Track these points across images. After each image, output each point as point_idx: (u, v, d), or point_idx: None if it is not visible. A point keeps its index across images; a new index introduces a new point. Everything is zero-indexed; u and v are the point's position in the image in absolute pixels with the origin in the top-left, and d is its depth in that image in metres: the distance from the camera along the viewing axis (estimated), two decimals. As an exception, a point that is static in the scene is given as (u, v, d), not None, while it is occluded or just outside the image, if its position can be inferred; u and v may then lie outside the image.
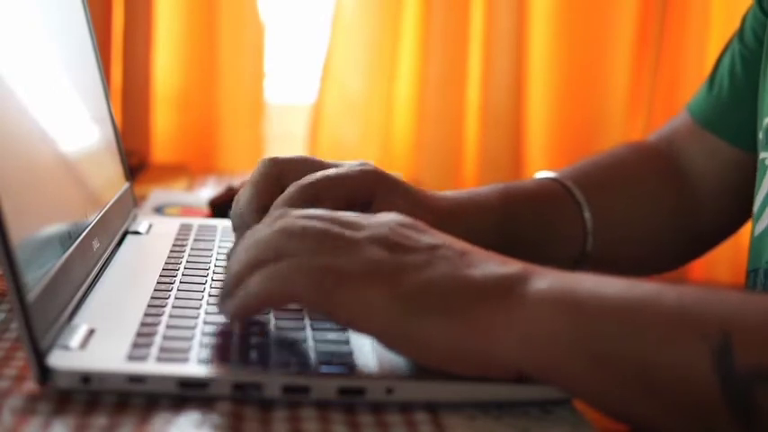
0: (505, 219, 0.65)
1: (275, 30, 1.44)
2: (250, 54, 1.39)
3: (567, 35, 1.44)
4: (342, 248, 0.45)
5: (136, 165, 1.19)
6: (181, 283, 0.56)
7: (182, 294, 0.54)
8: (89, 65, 0.71)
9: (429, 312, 0.43)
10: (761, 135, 0.65)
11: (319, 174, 0.57)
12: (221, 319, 0.50)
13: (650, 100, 1.44)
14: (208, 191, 1.10)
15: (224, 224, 0.72)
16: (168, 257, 0.62)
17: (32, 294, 0.43)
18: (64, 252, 0.50)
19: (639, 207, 0.74)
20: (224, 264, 0.58)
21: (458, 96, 1.44)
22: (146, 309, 0.51)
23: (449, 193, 0.65)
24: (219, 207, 0.86)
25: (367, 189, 0.58)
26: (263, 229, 0.47)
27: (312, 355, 0.46)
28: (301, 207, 0.50)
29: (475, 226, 0.63)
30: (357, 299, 0.44)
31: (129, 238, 0.68)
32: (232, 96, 1.39)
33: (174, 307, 0.51)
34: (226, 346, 0.47)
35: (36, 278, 0.44)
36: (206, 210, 0.89)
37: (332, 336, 0.49)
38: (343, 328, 0.50)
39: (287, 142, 1.48)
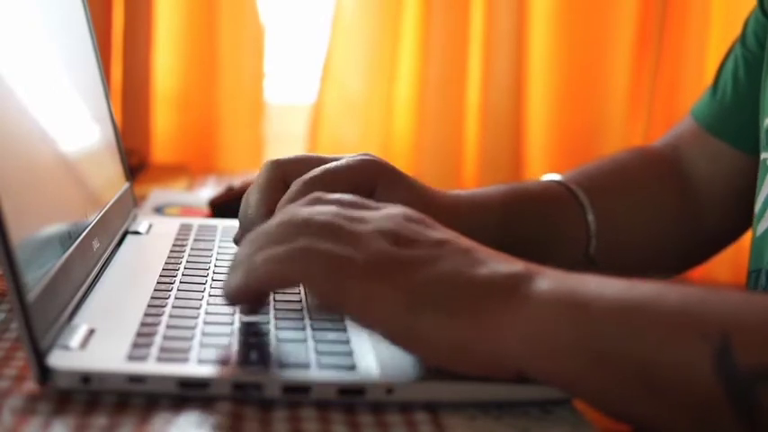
0: (508, 219, 0.65)
1: (275, 30, 1.44)
2: (250, 54, 1.39)
3: (567, 36, 1.44)
4: (350, 239, 0.45)
5: (136, 165, 1.19)
6: (181, 283, 0.56)
7: (182, 294, 0.54)
8: (89, 65, 0.71)
9: (433, 308, 0.43)
10: (762, 136, 0.65)
11: (320, 169, 0.57)
12: (222, 319, 0.50)
13: (650, 101, 1.44)
14: (208, 191, 1.10)
15: (224, 224, 0.72)
16: (168, 257, 0.62)
17: (32, 294, 0.43)
18: (64, 252, 0.50)
19: (643, 211, 0.74)
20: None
21: (458, 97, 1.44)
22: (146, 309, 0.51)
23: (452, 191, 0.65)
24: (219, 207, 0.86)
25: (368, 180, 0.58)
26: (269, 223, 0.47)
27: (312, 355, 0.46)
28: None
29: (477, 224, 0.63)
30: (362, 290, 0.43)
31: (129, 238, 0.68)
32: (232, 96, 1.39)
33: (174, 307, 0.51)
34: (226, 347, 0.47)
35: (36, 278, 0.44)
36: (206, 210, 0.89)
37: (332, 336, 0.49)
38: (343, 328, 0.50)
39: (287, 142, 1.48)
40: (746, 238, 0.71)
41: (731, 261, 1.39)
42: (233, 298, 0.46)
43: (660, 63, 1.43)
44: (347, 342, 0.48)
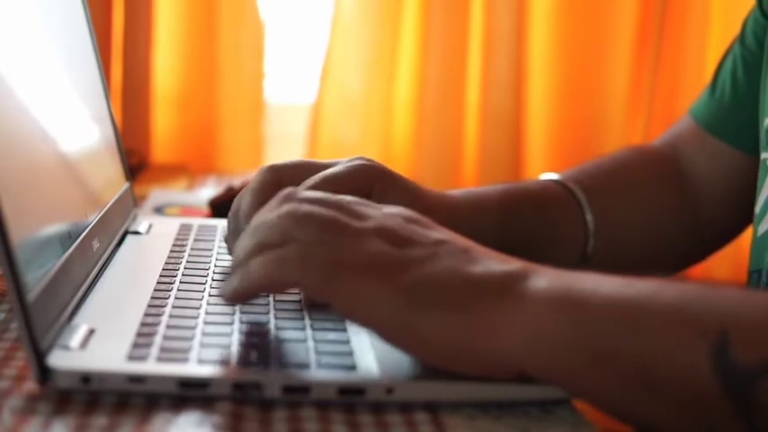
0: (506, 218, 0.65)
1: (275, 30, 1.44)
2: (250, 54, 1.40)
3: (567, 35, 1.44)
4: (347, 238, 0.45)
5: (136, 165, 1.19)
6: (181, 283, 0.56)
7: (182, 294, 0.54)
8: (89, 65, 0.71)
9: (429, 307, 0.44)
10: (762, 136, 0.65)
11: (315, 177, 0.57)
12: (222, 319, 0.50)
13: (650, 100, 1.44)
14: (208, 191, 1.10)
15: (224, 224, 0.72)
16: (168, 257, 0.62)
17: (32, 294, 0.43)
18: (64, 252, 0.50)
19: (641, 210, 0.74)
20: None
21: (457, 96, 1.44)
22: (146, 309, 0.51)
23: (450, 191, 0.65)
24: (219, 207, 0.86)
25: (365, 184, 0.58)
26: (268, 213, 0.47)
27: (312, 355, 0.46)
28: None
29: (475, 224, 0.63)
30: (359, 290, 0.44)
31: (129, 238, 0.68)
32: (232, 96, 1.39)
33: (174, 307, 0.51)
34: (226, 347, 0.47)
35: (36, 278, 0.44)
36: (206, 210, 0.89)
37: (332, 336, 0.49)
38: (343, 328, 0.50)
39: (287, 142, 1.48)
40: (746, 238, 0.71)
41: (731, 260, 1.39)
42: (229, 301, 0.47)
43: (660, 62, 1.43)
44: (347, 342, 0.48)
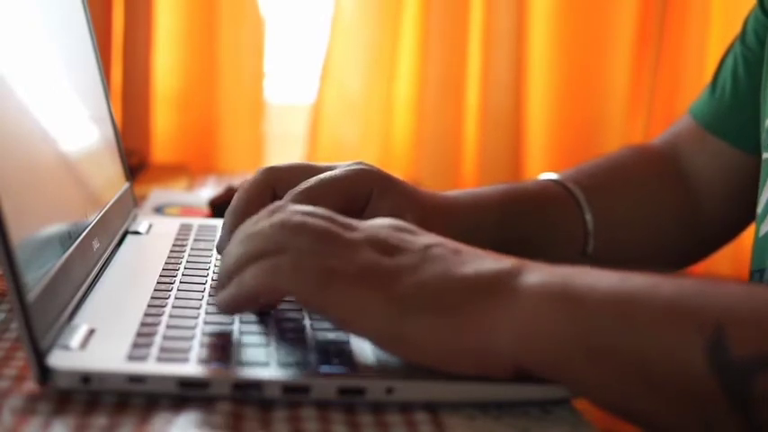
0: (505, 219, 0.66)
1: (275, 30, 1.44)
2: (250, 54, 1.40)
3: (567, 35, 1.44)
4: (339, 248, 0.45)
5: (136, 165, 1.19)
6: (181, 283, 0.56)
7: (182, 294, 0.54)
8: (89, 65, 0.71)
9: (422, 312, 0.44)
10: (763, 135, 0.65)
11: (313, 180, 0.57)
12: (221, 318, 0.50)
13: (650, 100, 1.44)
14: (208, 191, 1.10)
15: (222, 224, 0.72)
16: (168, 257, 0.62)
17: (32, 294, 0.43)
18: (64, 252, 0.50)
19: (641, 209, 0.74)
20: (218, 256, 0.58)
21: (457, 96, 1.44)
22: (146, 309, 0.51)
23: (449, 192, 0.65)
24: (219, 207, 0.86)
25: (362, 189, 0.58)
26: (260, 222, 0.47)
27: (312, 355, 0.46)
28: None
29: (474, 225, 0.63)
30: (352, 300, 0.44)
31: (129, 238, 0.68)
32: (232, 96, 1.39)
33: (174, 307, 0.51)
34: (226, 347, 0.47)
35: (36, 278, 0.44)
36: (206, 210, 0.89)
37: (332, 336, 0.49)
38: (339, 330, 0.50)
39: (287, 142, 1.48)
40: (747, 238, 0.71)
41: (732, 260, 1.39)
42: (223, 311, 0.47)
43: (660, 61, 1.43)
44: (347, 342, 0.48)
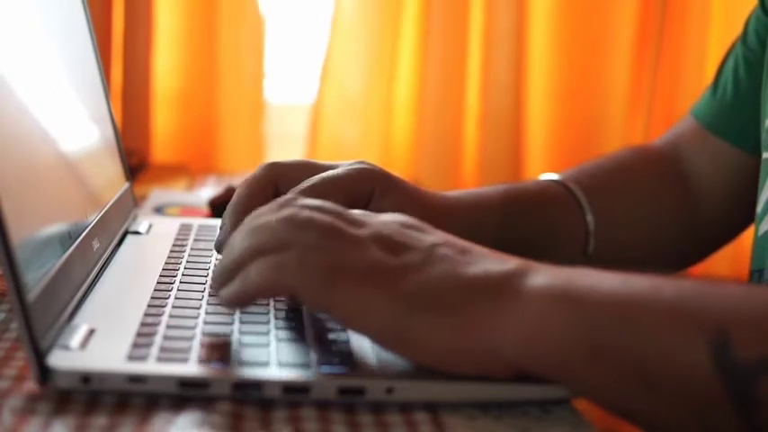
0: (506, 219, 0.66)
1: (275, 30, 1.44)
2: (250, 54, 1.39)
3: (567, 35, 1.44)
4: (346, 245, 0.45)
5: (136, 165, 1.19)
6: (181, 283, 0.56)
7: (182, 294, 0.54)
8: (89, 65, 0.71)
9: (425, 311, 0.44)
10: (764, 135, 0.65)
11: (316, 178, 0.57)
12: (221, 318, 0.50)
13: (650, 100, 1.44)
14: (208, 191, 1.10)
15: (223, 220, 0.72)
16: (168, 257, 0.62)
17: (32, 294, 0.43)
18: (64, 252, 0.50)
19: (642, 209, 0.74)
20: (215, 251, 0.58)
21: (457, 96, 1.44)
22: (146, 309, 0.51)
23: (450, 192, 0.65)
24: (219, 207, 0.86)
25: (364, 188, 0.58)
26: (266, 215, 0.47)
27: (312, 355, 0.46)
28: None
29: (475, 226, 0.63)
30: (356, 298, 0.44)
31: (129, 238, 0.68)
32: (232, 96, 1.39)
33: (174, 307, 0.51)
34: (226, 347, 0.47)
35: (36, 278, 0.44)
36: (206, 210, 0.89)
37: (332, 336, 0.49)
38: (344, 328, 0.50)
39: (287, 142, 1.48)
40: (747, 237, 0.71)
41: (732, 260, 1.39)
42: (228, 306, 0.47)
43: (660, 62, 1.43)
44: (347, 342, 0.48)
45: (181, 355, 0.45)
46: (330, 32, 1.40)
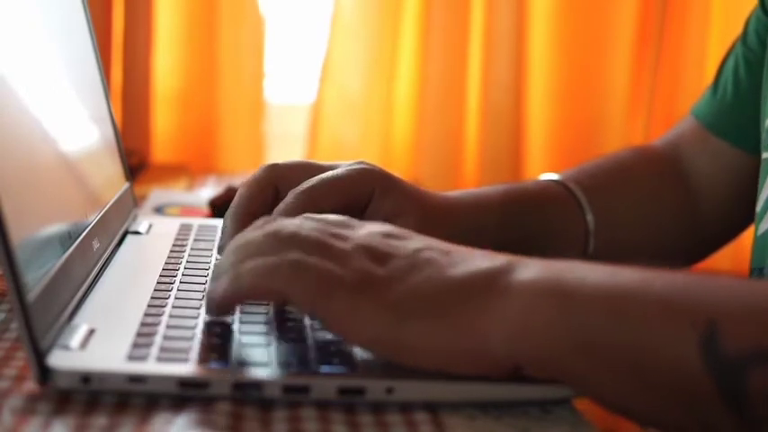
0: (506, 219, 0.66)
1: (275, 30, 1.44)
2: (250, 54, 1.39)
3: (567, 35, 1.44)
4: (332, 256, 0.45)
5: (136, 165, 1.19)
6: (181, 283, 0.56)
7: (182, 294, 0.54)
8: (89, 65, 0.71)
9: (416, 317, 0.44)
10: (764, 135, 0.65)
11: (315, 179, 0.57)
12: (222, 319, 0.50)
13: (650, 100, 1.44)
14: (208, 191, 1.10)
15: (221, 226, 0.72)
16: (168, 257, 0.62)
17: (32, 294, 0.43)
18: (64, 252, 0.50)
19: (642, 209, 0.74)
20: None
21: (458, 96, 1.44)
22: (146, 309, 0.51)
23: (450, 192, 0.65)
24: (219, 207, 0.86)
25: (364, 189, 0.58)
26: (252, 232, 0.47)
27: (312, 355, 0.46)
28: (299, 214, 0.51)
29: (475, 226, 0.63)
30: (347, 307, 0.44)
31: (129, 238, 0.68)
32: (232, 96, 1.39)
33: (174, 307, 0.51)
34: (226, 347, 0.47)
35: (36, 278, 0.44)
36: (206, 210, 0.89)
37: (332, 336, 0.49)
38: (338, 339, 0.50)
39: (287, 142, 1.48)
40: (747, 237, 0.71)
41: (731, 258, 1.39)
42: (218, 308, 0.47)
43: (660, 62, 1.43)
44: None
45: (181, 355, 0.45)
46: (330, 32, 1.40)
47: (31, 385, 0.44)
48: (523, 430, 0.43)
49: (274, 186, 0.58)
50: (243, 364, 0.45)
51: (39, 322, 0.43)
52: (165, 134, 1.38)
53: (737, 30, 0.75)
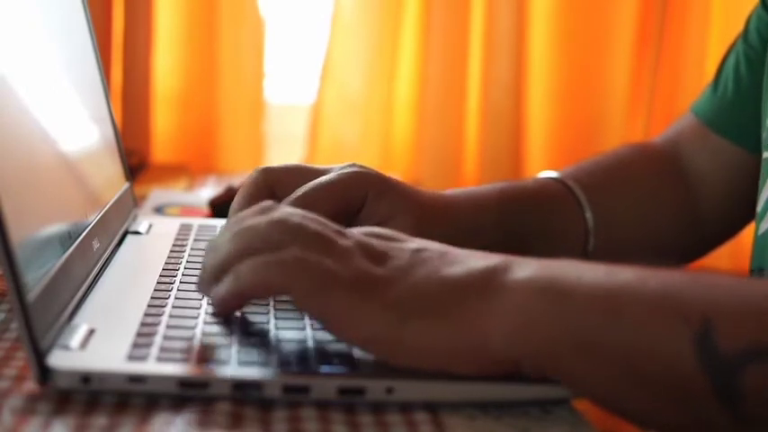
0: (504, 217, 0.65)
1: (275, 30, 1.44)
2: (250, 54, 1.40)
3: (567, 35, 1.44)
4: (335, 254, 0.45)
5: (136, 165, 1.19)
6: (181, 283, 0.56)
7: (182, 294, 0.54)
8: (89, 65, 0.71)
9: (415, 317, 0.44)
10: (764, 134, 0.65)
11: (308, 186, 0.57)
12: (222, 319, 0.50)
13: (650, 100, 1.44)
14: (208, 191, 1.10)
15: (224, 224, 0.72)
16: (168, 257, 0.62)
17: (32, 294, 0.43)
18: (64, 252, 0.50)
19: (641, 207, 0.74)
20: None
21: (458, 96, 1.44)
22: (146, 309, 0.51)
23: (447, 191, 0.65)
24: (219, 207, 0.86)
25: (357, 193, 0.58)
26: (251, 219, 0.47)
27: (312, 355, 0.46)
28: None
29: (473, 224, 0.63)
30: (348, 309, 0.44)
31: (129, 238, 0.68)
32: (232, 96, 1.39)
33: (174, 307, 0.51)
34: (226, 347, 0.47)
35: (36, 278, 0.44)
36: (206, 210, 0.89)
37: (331, 336, 0.49)
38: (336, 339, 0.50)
39: (287, 142, 1.48)
40: (747, 236, 0.71)
41: (731, 258, 1.39)
42: (223, 307, 0.47)
43: (660, 61, 1.43)
44: (347, 342, 0.48)
45: (181, 355, 0.45)
46: (330, 32, 1.40)
47: (31, 385, 0.44)
48: (523, 430, 0.43)
49: (271, 189, 0.58)
50: (243, 364, 0.45)
51: (39, 322, 0.43)
52: (164, 134, 1.38)
53: (737, 29, 0.76)
